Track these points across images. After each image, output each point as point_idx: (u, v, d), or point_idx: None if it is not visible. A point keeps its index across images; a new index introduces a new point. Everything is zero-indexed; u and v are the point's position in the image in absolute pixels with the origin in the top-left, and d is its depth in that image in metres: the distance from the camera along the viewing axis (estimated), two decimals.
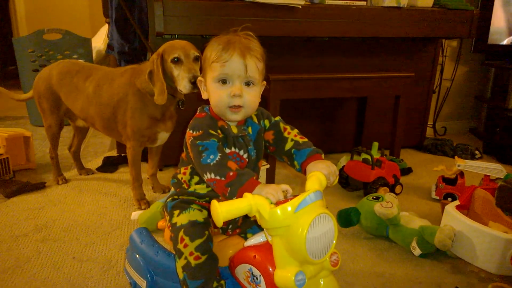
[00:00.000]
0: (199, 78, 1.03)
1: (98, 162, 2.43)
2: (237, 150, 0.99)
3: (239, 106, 0.95)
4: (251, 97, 0.96)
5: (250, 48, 0.94)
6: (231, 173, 0.86)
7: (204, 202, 1.03)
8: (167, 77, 1.66)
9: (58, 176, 2.17)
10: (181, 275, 0.96)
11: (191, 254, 0.93)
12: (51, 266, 1.45)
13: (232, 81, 0.95)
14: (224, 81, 0.95)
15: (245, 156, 1.00)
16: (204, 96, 1.02)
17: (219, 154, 0.89)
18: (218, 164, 0.88)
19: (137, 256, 1.13)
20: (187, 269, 0.94)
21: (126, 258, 1.20)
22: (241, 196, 0.83)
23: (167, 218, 1.04)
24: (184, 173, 1.04)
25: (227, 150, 0.97)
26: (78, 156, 2.29)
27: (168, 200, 1.07)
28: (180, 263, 0.95)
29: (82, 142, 2.28)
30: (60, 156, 2.20)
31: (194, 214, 0.99)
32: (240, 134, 0.99)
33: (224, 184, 0.86)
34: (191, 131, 0.95)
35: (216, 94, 0.96)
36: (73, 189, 2.10)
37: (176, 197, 1.06)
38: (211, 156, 0.89)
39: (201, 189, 1.02)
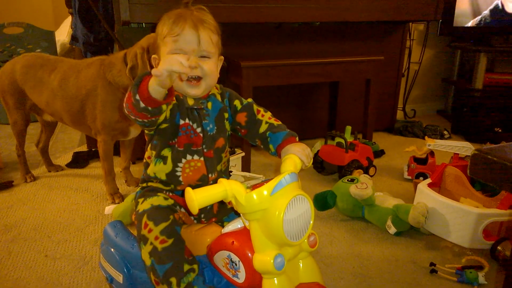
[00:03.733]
0: (153, 56, 0.99)
1: (68, 158, 2.36)
2: (190, 123, 0.95)
3: (198, 78, 0.92)
4: (209, 67, 0.93)
5: (203, 20, 0.91)
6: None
7: (170, 194, 1.00)
8: None
9: (26, 174, 2.09)
10: (148, 262, 0.91)
11: (156, 238, 0.89)
12: (23, 265, 1.40)
13: (187, 54, 0.91)
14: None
15: (198, 130, 0.96)
16: None
17: None
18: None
19: (112, 250, 1.10)
20: (154, 255, 0.90)
21: (101, 253, 1.17)
22: (143, 91, 0.80)
23: (134, 207, 1.01)
24: (147, 150, 1.01)
25: (181, 122, 0.94)
26: (46, 152, 2.21)
27: (138, 190, 1.04)
28: (146, 249, 0.91)
29: (50, 138, 2.20)
30: (27, 153, 2.13)
31: (157, 200, 0.96)
32: (195, 106, 0.96)
33: (129, 91, 0.83)
34: None
35: None
36: (42, 186, 2.03)
37: (144, 184, 1.02)
38: None
39: (160, 171, 0.98)
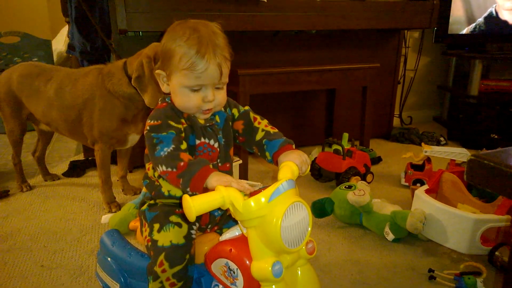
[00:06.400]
0: (157, 71, 0.97)
1: (64, 167, 2.35)
2: (207, 140, 0.95)
3: (210, 109, 0.94)
4: (222, 98, 0.95)
5: (221, 48, 0.90)
6: (181, 164, 0.83)
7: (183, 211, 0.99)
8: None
9: (22, 183, 2.08)
10: None
11: (167, 279, 0.89)
12: (19, 275, 1.38)
13: (205, 87, 0.91)
14: (196, 89, 0.91)
15: (215, 145, 0.97)
16: (164, 89, 0.98)
17: (172, 146, 0.86)
18: (170, 155, 0.85)
19: (109, 259, 1.09)
20: None
21: (98, 262, 1.16)
22: (196, 186, 0.81)
23: (146, 230, 0.97)
24: (149, 169, 0.99)
25: (197, 141, 0.94)
26: (42, 161, 2.20)
27: (145, 208, 1.00)
28: (154, 285, 0.90)
29: (46, 147, 2.20)
30: (23, 162, 2.11)
31: (175, 233, 0.92)
32: (207, 124, 0.96)
33: (175, 175, 0.84)
34: (149, 121, 0.92)
35: (186, 99, 0.92)
36: (38, 196, 2.02)
37: (152, 202, 1.00)
38: (165, 149, 0.86)
39: (176, 188, 0.96)
